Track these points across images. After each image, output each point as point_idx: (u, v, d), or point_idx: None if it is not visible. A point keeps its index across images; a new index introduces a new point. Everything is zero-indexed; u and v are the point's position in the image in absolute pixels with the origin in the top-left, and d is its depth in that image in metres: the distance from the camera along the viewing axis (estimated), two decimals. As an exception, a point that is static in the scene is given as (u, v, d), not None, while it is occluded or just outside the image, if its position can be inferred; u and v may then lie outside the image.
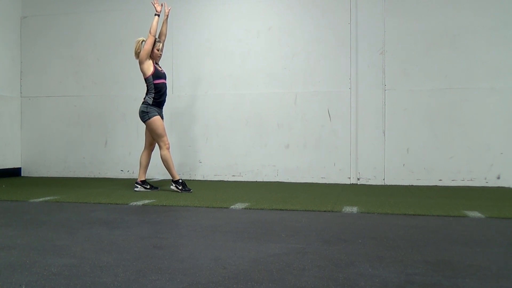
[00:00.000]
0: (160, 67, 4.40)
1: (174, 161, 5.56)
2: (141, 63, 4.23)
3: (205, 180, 5.43)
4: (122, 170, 5.77)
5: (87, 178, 5.76)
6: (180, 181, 4.26)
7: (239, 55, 5.43)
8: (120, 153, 5.78)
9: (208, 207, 3.38)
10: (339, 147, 5.12)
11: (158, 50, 4.29)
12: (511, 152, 4.75)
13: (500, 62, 4.78)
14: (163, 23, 4.41)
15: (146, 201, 3.61)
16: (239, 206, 3.39)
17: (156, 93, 4.25)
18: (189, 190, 4.23)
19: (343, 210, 3.20)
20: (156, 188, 4.45)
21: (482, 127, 4.81)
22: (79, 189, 4.54)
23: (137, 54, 4.29)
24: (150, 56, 4.24)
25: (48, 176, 5.97)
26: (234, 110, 5.42)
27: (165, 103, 4.41)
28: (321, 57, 5.20)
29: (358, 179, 5.08)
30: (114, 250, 2.09)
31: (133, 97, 5.75)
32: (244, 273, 1.72)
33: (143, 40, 4.30)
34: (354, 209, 3.22)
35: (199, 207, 3.38)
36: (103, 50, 5.85)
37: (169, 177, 5.56)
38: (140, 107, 4.28)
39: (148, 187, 4.39)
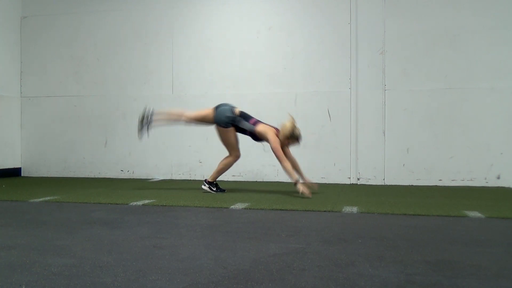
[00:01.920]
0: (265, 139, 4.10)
1: (174, 161, 5.57)
2: (268, 136, 3.98)
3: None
4: (122, 170, 5.77)
5: (87, 178, 5.76)
6: (215, 183, 4.20)
7: (239, 55, 5.43)
8: (120, 153, 5.78)
9: (208, 207, 3.38)
10: (339, 147, 5.12)
11: (289, 143, 4.06)
12: (511, 152, 4.75)
13: (500, 62, 4.78)
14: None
15: (146, 201, 3.61)
16: (239, 206, 3.38)
17: (242, 129, 4.10)
18: (224, 190, 4.20)
19: (343, 210, 3.20)
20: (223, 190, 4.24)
21: (482, 127, 4.81)
22: (79, 189, 4.54)
23: (284, 138, 3.99)
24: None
25: (48, 176, 5.97)
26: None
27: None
28: (321, 57, 5.20)
29: (358, 179, 5.08)
30: (114, 250, 2.09)
31: (133, 97, 5.75)
32: (244, 273, 1.72)
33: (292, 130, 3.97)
34: (354, 209, 3.22)
35: (199, 207, 3.38)
36: (103, 50, 5.85)
37: (169, 177, 5.59)
38: (229, 111, 4.05)
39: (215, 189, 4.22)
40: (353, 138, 5.09)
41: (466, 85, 4.86)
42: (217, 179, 4.26)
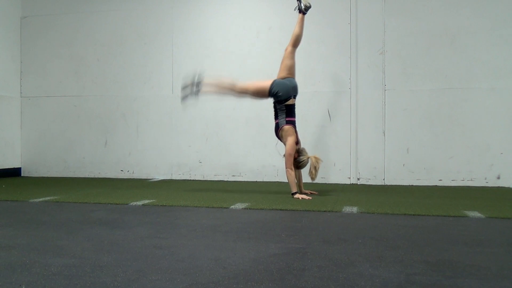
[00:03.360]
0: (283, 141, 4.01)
1: (175, 161, 5.57)
2: (286, 148, 3.90)
3: (205, 180, 5.42)
4: (122, 170, 5.77)
5: (87, 178, 5.76)
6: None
7: (239, 55, 5.43)
8: (120, 153, 5.78)
9: (208, 207, 3.38)
10: (339, 147, 5.12)
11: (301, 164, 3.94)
12: (511, 152, 4.75)
13: (500, 62, 4.78)
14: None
15: (146, 201, 3.61)
16: (239, 206, 3.38)
17: (280, 113, 3.97)
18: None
19: (343, 210, 3.20)
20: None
21: (482, 127, 4.81)
22: (79, 189, 4.54)
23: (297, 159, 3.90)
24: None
25: (48, 176, 5.97)
26: (234, 110, 5.42)
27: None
28: (321, 57, 5.20)
29: (358, 179, 5.08)
30: (114, 250, 2.09)
31: (133, 97, 5.75)
32: (244, 273, 1.72)
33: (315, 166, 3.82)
34: (354, 209, 3.22)
35: (199, 207, 3.38)
36: (103, 50, 5.85)
37: (169, 177, 5.59)
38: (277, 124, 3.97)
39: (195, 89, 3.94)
40: (353, 138, 5.09)
41: (466, 85, 4.86)
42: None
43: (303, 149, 3.98)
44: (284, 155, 3.96)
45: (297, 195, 3.80)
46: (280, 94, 3.92)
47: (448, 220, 2.86)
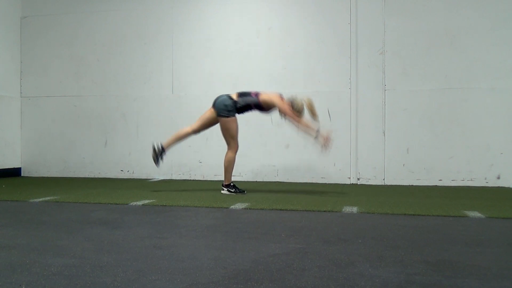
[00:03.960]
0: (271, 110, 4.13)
1: (175, 161, 5.57)
2: (275, 102, 3.96)
3: (205, 180, 5.43)
4: (122, 170, 5.77)
5: (87, 178, 5.76)
6: (232, 184, 4.16)
7: (239, 55, 5.43)
8: (120, 153, 5.78)
9: (208, 207, 3.38)
10: (339, 147, 5.11)
11: (298, 111, 3.97)
12: (511, 152, 4.75)
13: (500, 62, 4.78)
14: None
15: (146, 201, 3.61)
16: (239, 206, 3.38)
17: (246, 108, 4.07)
18: (243, 191, 4.13)
19: (343, 210, 3.20)
20: (160, 159, 4.22)
21: (482, 127, 4.81)
22: (79, 189, 4.54)
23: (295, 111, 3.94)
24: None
25: (48, 176, 5.97)
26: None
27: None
28: (321, 57, 5.20)
29: (358, 179, 5.08)
30: (114, 250, 2.09)
31: (133, 97, 5.75)
32: (244, 273, 1.72)
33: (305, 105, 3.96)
34: (354, 209, 3.22)
35: (199, 207, 3.38)
36: (103, 50, 5.85)
37: (169, 177, 5.58)
38: (226, 100, 4.03)
39: (161, 156, 4.18)
40: (353, 138, 5.09)
41: (466, 85, 4.86)
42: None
43: (292, 99, 4.00)
44: (284, 116, 3.98)
45: (321, 135, 3.80)
46: (224, 109, 4.03)
47: (448, 220, 2.86)
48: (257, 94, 4.07)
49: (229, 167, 4.13)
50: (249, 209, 3.28)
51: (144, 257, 1.96)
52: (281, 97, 4.02)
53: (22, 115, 6.10)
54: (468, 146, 4.83)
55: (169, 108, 5.64)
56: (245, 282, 1.62)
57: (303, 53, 5.27)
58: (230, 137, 4.11)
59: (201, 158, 5.54)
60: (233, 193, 4.10)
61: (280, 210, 3.24)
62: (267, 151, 5.32)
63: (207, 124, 4.23)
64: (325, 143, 3.84)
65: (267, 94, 4.06)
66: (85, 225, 2.69)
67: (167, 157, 5.60)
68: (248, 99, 4.06)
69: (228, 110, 4.04)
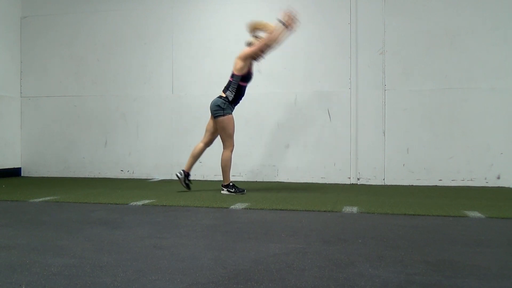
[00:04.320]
0: (252, 70, 4.25)
1: (175, 161, 5.57)
2: (242, 59, 4.06)
3: (205, 180, 5.43)
4: (122, 170, 5.77)
5: (87, 178, 5.76)
6: (231, 184, 4.16)
7: (239, 55, 5.42)
8: (120, 153, 5.78)
9: (208, 207, 3.38)
10: (339, 147, 5.12)
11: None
12: (511, 152, 4.75)
13: (500, 62, 4.78)
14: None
15: (146, 201, 3.61)
16: (239, 206, 3.38)
17: (237, 92, 4.12)
18: (243, 190, 4.13)
19: (343, 210, 3.20)
20: (189, 184, 4.32)
21: (482, 127, 4.81)
22: (79, 189, 4.54)
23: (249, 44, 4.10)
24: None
25: (48, 176, 5.97)
26: (234, 110, 5.41)
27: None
28: (321, 57, 5.20)
29: (358, 179, 5.08)
30: (114, 250, 2.09)
31: (133, 97, 5.75)
32: (244, 273, 1.72)
33: (251, 40, 4.12)
34: (354, 209, 3.22)
35: (199, 207, 3.38)
36: (103, 50, 5.85)
37: (169, 177, 5.58)
38: (217, 101, 4.10)
39: (188, 182, 4.28)
40: (353, 138, 5.09)
41: (466, 85, 4.86)
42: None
43: (254, 38, 4.11)
44: (262, 54, 4.07)
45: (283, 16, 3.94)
46: (218, 109, 4.10)
47: (448, 220, 2.86)
48: (232, 75, 4.13)
49: (226, 166, 4.14)
50: (249, 209, 3.29)
51: (144, 257, 1.96)
52: (249, 48, 4.08)
53: (22, 115, 6.10)
54: (468, 146, 4.83)
55: (169, 108, 5.63)
56: (245, 282, 1.62)
57: (303, 53, 5.27)
58: (227, 136, 4.12)
59: (201, 158, 5.52)
60: (233, 193, 4.10)
61: (280, 210, 3.24)
62: (267, 151, 5.32)
63: (214, 132, 4.23)
64: (289, 21, 3.88)
65: (236, 62, 4.11)
66: (85, 225, 2.70)
67: (167, 157, 5.62)
68: (230, 84, 4.12)
69: (222, 108, 4.07)
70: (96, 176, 5.83)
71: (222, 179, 4.27)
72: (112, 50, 5.82)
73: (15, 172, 6.00)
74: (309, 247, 2.14)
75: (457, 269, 1.78)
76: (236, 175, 5.40)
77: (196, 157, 4.29)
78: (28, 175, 6.06)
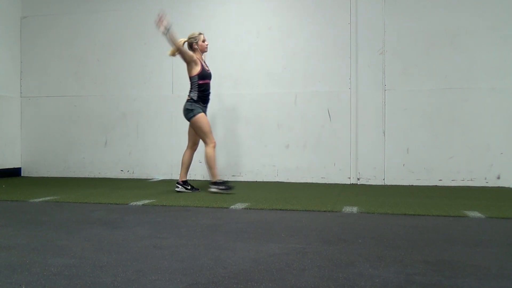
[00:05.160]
0: (207, 65, 4.37)
1: (175, 161, 5.57)
2: (187, 63, 4.20)
3: (205, 180, 5.42)
4: (122, 170, 5.77)
5: (87, 178, 5.76)
6: (220, 181, 4.16)
7: (239, 55, 5.43)
8: (120, 153, 5.78)
9: (208, 207, 3.38)
10: (339, 147, 5.12)
11: (204, 42, 4.33)
12: (511, 152, 4.75)
13: (500, 62, 4.78)
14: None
15: (146, 201, 3.61)
16: (239, 206, 3.38)
17: (200, 91, 4.19)
18: (231, 187, 4.13)
19: (343, 210, 3.20)
20: (197, 189, 4.33)
21: (482, 127, 4.81)
22: (79, 189, 4.54)
23: (173, 54, 4.27)
24: (197, 50, 4.27)
25: (48, 176, 5.97)
26: (234, 110, 5.42)
27: (209, 102, 4.34)
28: (321, 57, 5.20)
29: (358, 179, 5.08)
30: (114, 250, 2.09)
31: (133, 97, 5.75)
32: (244, 273, 1.72)
33: (185, 41, 4.30)
34: (354, 209, 3.22)
35: (199, 207, 3.38)
36: (103, 50, 5.85)
37: (169, 177, 5.58)
38: (185, 104, 4.20)
39: (189, 187, 4.29)
40: (353, 138, 5.09)
41: (466, 85, 4.86)
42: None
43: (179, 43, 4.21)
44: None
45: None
46: (188, 112, 4.21)
47: (448, 220, 2.86)
48: (189, 78, 4.23)
49: (211, 163, 4.15)
50: (249, 209, 3.29)
51: (144, 257, 1.96)
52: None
53: (22, 115, 6.10)
54: (468, 146, 4.83)
55: (169, 108, 5.63)
56: (245, 282, 1.62)
57: (303, 53, 5.27)
58: (204, 134, 4.17)
59: (201, 158, 5.54)
60: (223, 190, 4.10)
61: (280, 210, 3.24)
62: (267, 151, 5.32)
63: (193, 134, 4.31)
64: (158, 23, 4.00)
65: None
66: (85, 225, 2.69)
67: (167, 157, 5.62)
68: (191, 86, 4.20)
69: (191, 109, 4.15)
70: (96, 176, 5.83)
71: (222, 179, 4.26)
72: (112, 50, 5.82)
73: (15, 172, 6.00)
74: (309, 247, 2.14)
75: (457, 269, 1.78)
76: (236, 175, 5.40)
77: (187, 165, 4.33)
78: (28, 175, 6.06)
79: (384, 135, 5.02)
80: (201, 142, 4.33)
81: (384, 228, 2.62)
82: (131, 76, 5.75)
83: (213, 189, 4.14)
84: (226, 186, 4.13)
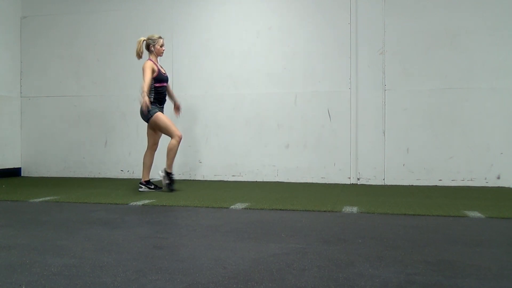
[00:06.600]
0: (163, 69, 4.46)
1: (174, 161, 5.55)
2: (143, 71, 4.29)
3: (205, 180, 5.43)
4: (122, 170, 5.77)
5: (87, 178, 5.76)
6: (171, 176, 4.26)
7: (239, 55, 5.43)
8: (120, 153, 5.78)
9: (208, 207, 3.38)
10: (339, 147, 5.12)
11: (162, 47, 4.42)
12: (511, 152, 4.75)
13: (500, 62, 4.78)
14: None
15: (146, 201, 3.61)
16: (239, 206, 3.39)
17: (156, 94, 4.31)
18: (173, 190, 4.24)
19: (343, 210, 3.20)
20: (160, 188, 4.41)
21: (482, 127, 4.81)
22: (79, 189, 4.54)
23: (139, 55, 4.38)
24: (153, 53, 4.40)
25: (48, 176, 5.97)
26: (234, 110, 5.42)
27: (165, 103, 4.44)
28: (321, 57, 5.20)
29: (358, 179, 5.08)
30: (114, 250, 2.09)
31: (133, 97, 5.75)
32: (244, 273, 1.72)
33: (144, 40, 4.39)
34: (354, 209, 3.22)
35: (199, 207, 3.38)
36: (103, 50, 5.85)
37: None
38: (141, 107, 4.29)
39: (152, 187, 4.38)
40: (353, 138, 5.09)
41: (466, 85, 4.86)
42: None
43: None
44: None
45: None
46: (144, 114, 4.27)
47: (448, 220, 2.86)
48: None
49: (170, 153, 4.21)
50: (249, 209, 3.29)
51: (144, 257, 1.96)
52: (146, 69, 4.28)
53: (22, 115, 6.10)
54: (468, 146, 4.83)
55: (169, 108, 5.62)
56: (245, 282, 1.62)
57: (303, 53, 5.27)
58: (166, 128, 4.24)
59: (201, 158, 5.54)
60: (164, 184, 4.22)
61: (280, 210, 3.24)
62: (267, 151, 5.32)
63: (152, 134, 4.39)
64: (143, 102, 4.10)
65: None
66: (85, 225, 2.70)
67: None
68: (143, 88, 4.24)
69: (148, 110, 4.20)
70: (96, 176, 5.83)
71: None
72: (112, 50, 5.82)
73: (15, 172, 6.00)
74: (309, 247, 2.14)
75: (457, 269, 1.78)
76: (236, 175, 5.40)
77: (149, 165, 4.44)
78: (28, 175, 6.06)
79: (384, 135, 5.02)
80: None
81: (384, 228, 2.62)
82: (131, 76, 5.75)
83: (161, 173, 4.26)
84: (170, 185, 4.24)
